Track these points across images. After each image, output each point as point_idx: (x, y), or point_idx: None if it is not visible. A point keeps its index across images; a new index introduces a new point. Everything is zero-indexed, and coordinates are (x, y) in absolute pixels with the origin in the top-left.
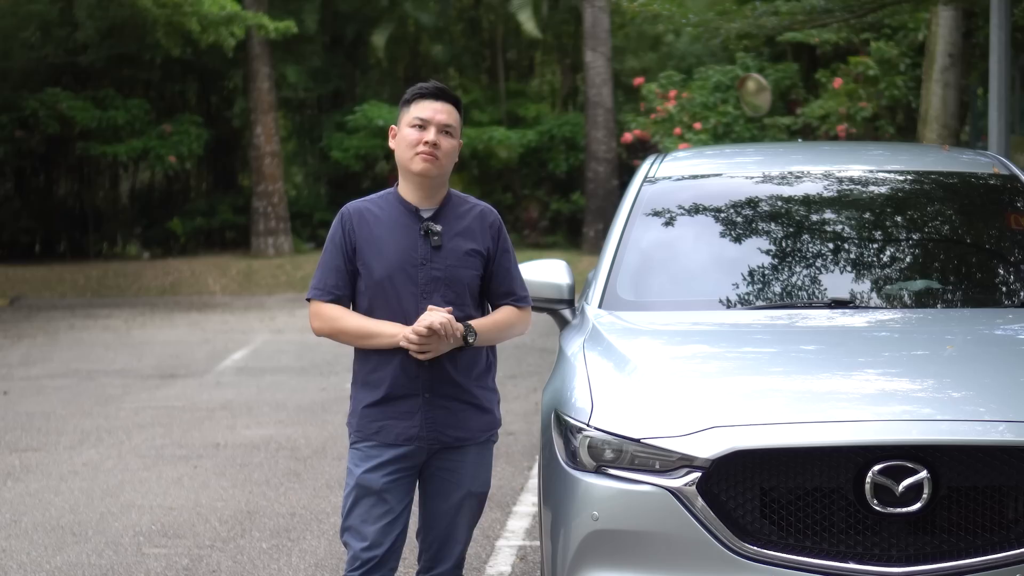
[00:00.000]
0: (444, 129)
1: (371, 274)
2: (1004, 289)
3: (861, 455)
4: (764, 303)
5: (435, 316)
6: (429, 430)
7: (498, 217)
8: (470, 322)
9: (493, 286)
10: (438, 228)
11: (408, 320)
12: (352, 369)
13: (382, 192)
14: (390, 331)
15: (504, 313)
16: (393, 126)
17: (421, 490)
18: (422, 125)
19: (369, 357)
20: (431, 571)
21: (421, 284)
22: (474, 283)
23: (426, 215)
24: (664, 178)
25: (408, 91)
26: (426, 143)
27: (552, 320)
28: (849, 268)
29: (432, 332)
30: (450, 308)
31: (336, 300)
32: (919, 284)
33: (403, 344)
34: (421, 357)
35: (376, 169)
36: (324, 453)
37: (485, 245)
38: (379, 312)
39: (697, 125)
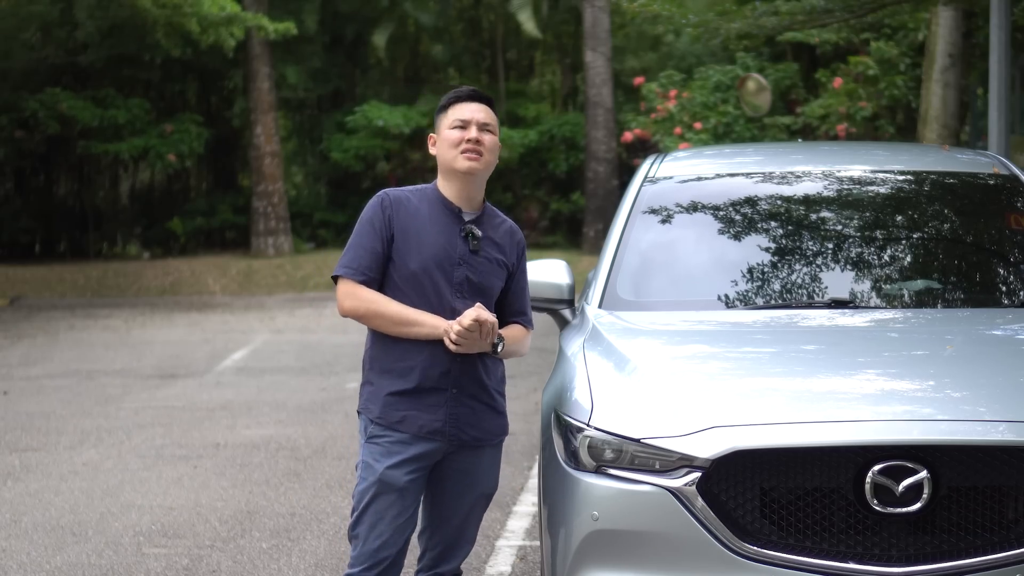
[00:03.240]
0: (484, 127)
1: (406, 265)
2: (1004, 289)
3: (861, 455)
4: (764, 303)
5: (483, 312)
6: (452, 426)
7: (523, 236)
8: (500, 332)
9: (507, 302)
10: (480, 233)
11: (445, 315)
12: (367, 356)
13: (419, 186)
14: (432, 322)
15: (517, 331)
16: (431, 135)
17: (431, 491)
18: (463, 125)
19: (396, 345)
20: (434, 570)
21: (456, 283)
22: (497, 294)
23: (467, 219)
24: (664, 178)
25: (444, 97)
26: (469, 140)
27: (552, 320)
28: (849, 268)
29: (478, 327)
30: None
31: (367, 282)
32: (919, 284)
33: (448, 336)
34: (454, 350)
35: (376, 169)
36: (324, 453)
37: (511, 260)
38: (416, 305)
39: (697, 125)
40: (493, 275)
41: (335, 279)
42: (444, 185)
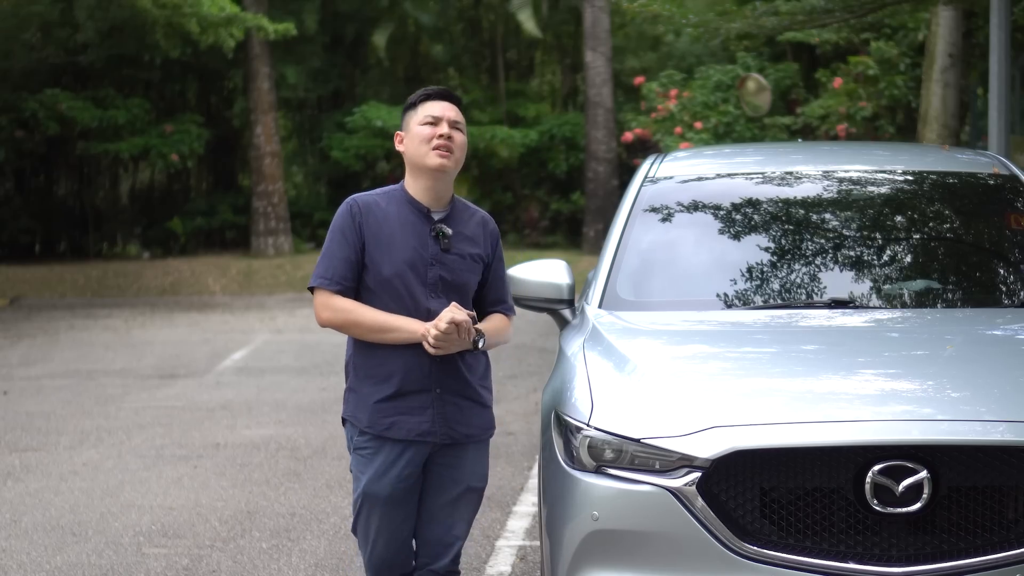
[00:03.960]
0: (454, 125)
1: (380, 271)
2: (1004, 289)
3: (861, 455)
4: (764, 303)
5: (458, 313)
6: (441, 425)
7: (496, 225)
8: (478, 327)
9: (486, 292)
10: (450, 231)
11: (420, 316)
12: (351, 364)
13: (387, 188)
14: (410, 327)
15: (498, 321)
16: (398, 132)
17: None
18: (434, 122)
19: (376, 351)
20: (428, 567)
21: (429, 284)
22: (474, 288)
23: (436, 217)
24: (664, 178)
25: (413, 95)
26: (441, 136)
27: (552, 320)
28: (849, 268)
29: (456, 327)
30: (472, 312)
31: (343, 292)
32: (919, 284)
33: (427, 340)
34: (434, 353)
35: (376, 169)
36: (324, 453)
37: (486, 251)
38: (392, 309)
39: (698, 124)
40: (468, 271)
41: (311, 290)
42: (412, 184)
